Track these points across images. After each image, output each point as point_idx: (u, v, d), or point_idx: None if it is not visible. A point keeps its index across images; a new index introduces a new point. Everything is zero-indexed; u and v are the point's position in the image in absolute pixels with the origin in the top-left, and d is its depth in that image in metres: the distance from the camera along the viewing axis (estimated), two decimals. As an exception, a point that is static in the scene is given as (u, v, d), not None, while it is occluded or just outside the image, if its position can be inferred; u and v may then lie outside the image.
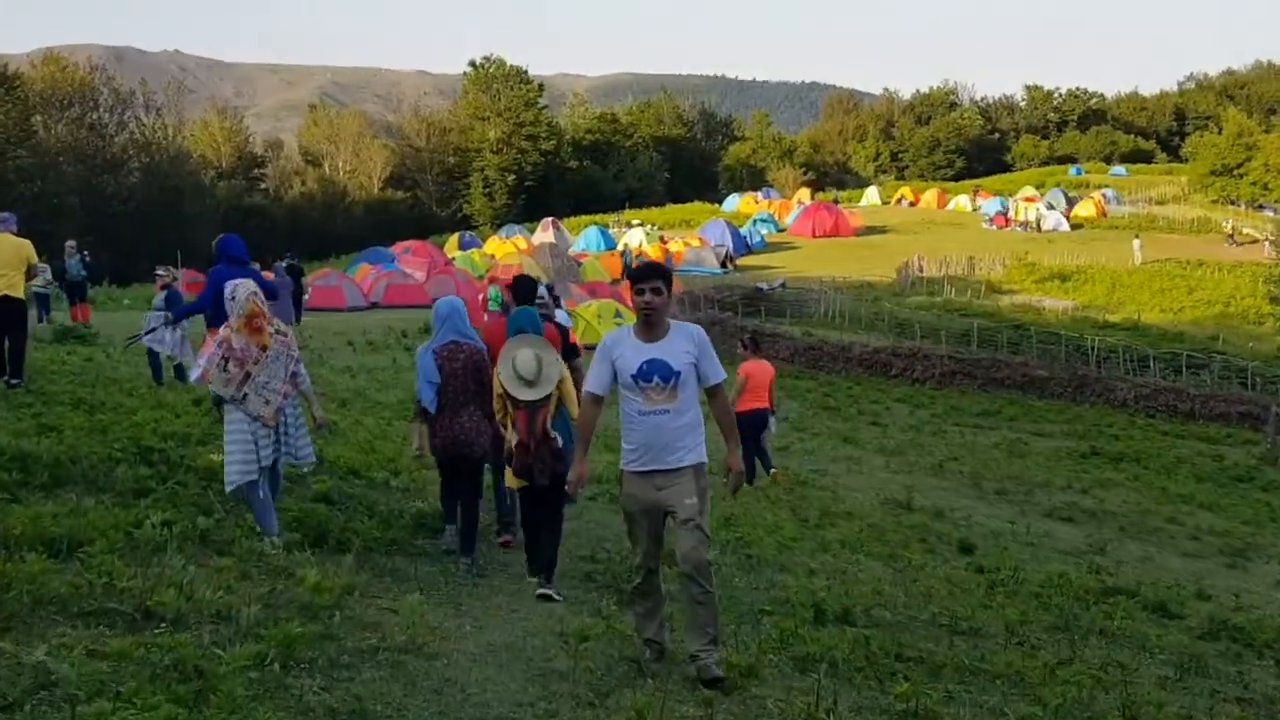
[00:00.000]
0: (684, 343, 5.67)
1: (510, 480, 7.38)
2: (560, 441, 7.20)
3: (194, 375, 9.02)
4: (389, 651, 5.43)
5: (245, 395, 7.14)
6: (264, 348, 7.21)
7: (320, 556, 7.03)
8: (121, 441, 9.29)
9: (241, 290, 7.27)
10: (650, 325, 5.67)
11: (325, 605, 5.83)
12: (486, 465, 8.20)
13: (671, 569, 5.92)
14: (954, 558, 10.51)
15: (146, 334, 10.33)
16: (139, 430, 9.97)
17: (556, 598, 7.03)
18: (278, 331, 7.39)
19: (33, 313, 21.54)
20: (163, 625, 5.35)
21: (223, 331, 7.27)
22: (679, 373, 5.59)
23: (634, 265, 7.38)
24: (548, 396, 7.15)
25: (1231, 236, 64.43)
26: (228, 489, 7.27)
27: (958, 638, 7.06)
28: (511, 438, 7.18)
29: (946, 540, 11.36)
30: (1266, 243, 61.43)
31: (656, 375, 5.58)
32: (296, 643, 5.13)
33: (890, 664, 6.25)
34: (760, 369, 13.57)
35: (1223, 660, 7.58)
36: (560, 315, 11.18)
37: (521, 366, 7.06)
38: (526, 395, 7.07)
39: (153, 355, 15.18)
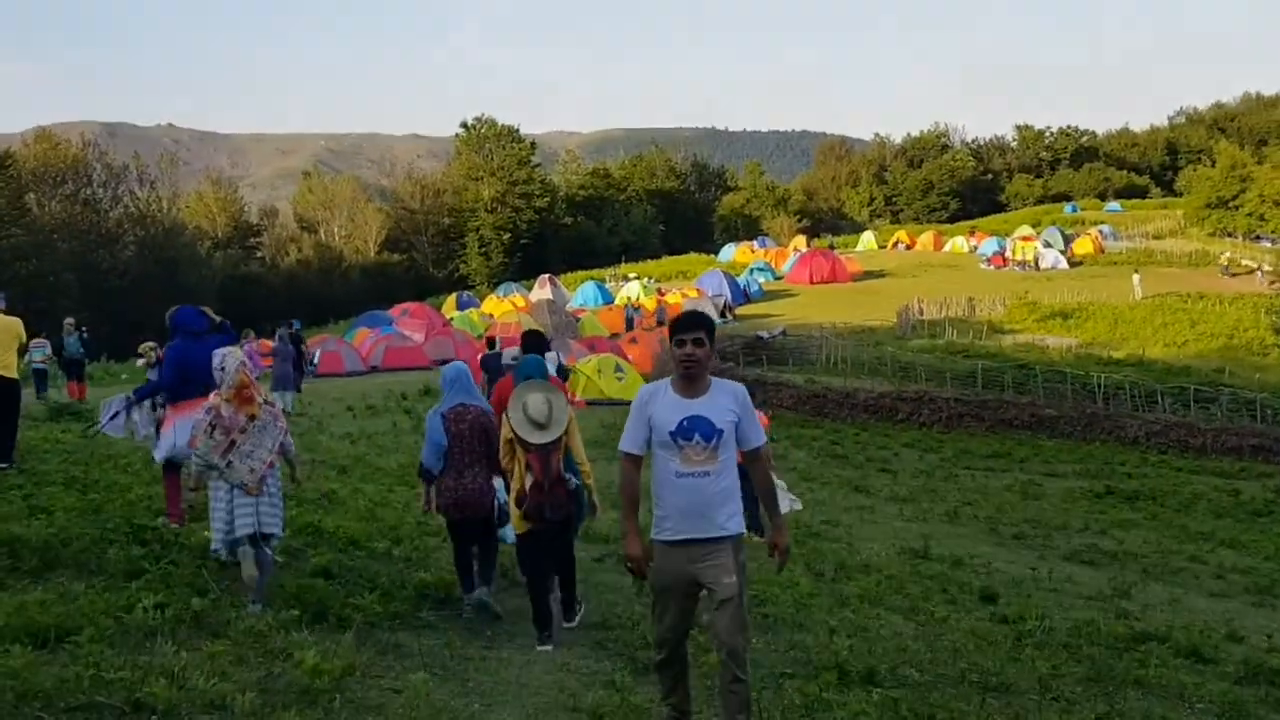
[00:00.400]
0: (726, 400, 5.28)
1: (516, 524, 7.49)
2: (574, 483, 7.48)
3: (158, 455, 8.85)
4: (393, 738, 5.14)
5: (230, 463, 7.22)
6: (252, 417, 7.32)
7: (319, 635, 6.73)
8: (114, 521, 9.03)
9: (231, 361, 7.39)
10: (691, 379, 5.28)
11: (324, 689, 5.53)
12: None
13: (700, 634, 5.62)
14: (977, 608, 10.19)
15: (109, 419, 10.02)
16: (132, 509, 9.72)
17: (572, 623, 7.67)
18: (266, 402, 7.49)
19: (29, 390, 21.39)
20: (153, 718, 5.07)
21: (213, 399, 7.40)
22: (721, 431, 5.20)
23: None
24: (558, 439, 7.33)
25: (1226, 267, 64.39)
26: (212, 553, 7.54)
27: (990, 695, 6.75)
28: (526, 480, 7.31)
29: (967, 590, 11.03)
30: (1260, 272, 61.48)
31: (698, 433, 5.18)
32: (295, 733, 4.84)
33: (922, 729, 5.95)
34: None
35: (1264, 707, 7.27)
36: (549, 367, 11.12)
37: (533, 410, 7.24)
38: (537, 438, 7.24)
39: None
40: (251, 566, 7.23)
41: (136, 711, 5.08)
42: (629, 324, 47.32)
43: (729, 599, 5.15)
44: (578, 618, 7.80)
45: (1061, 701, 6.81)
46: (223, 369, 7.37)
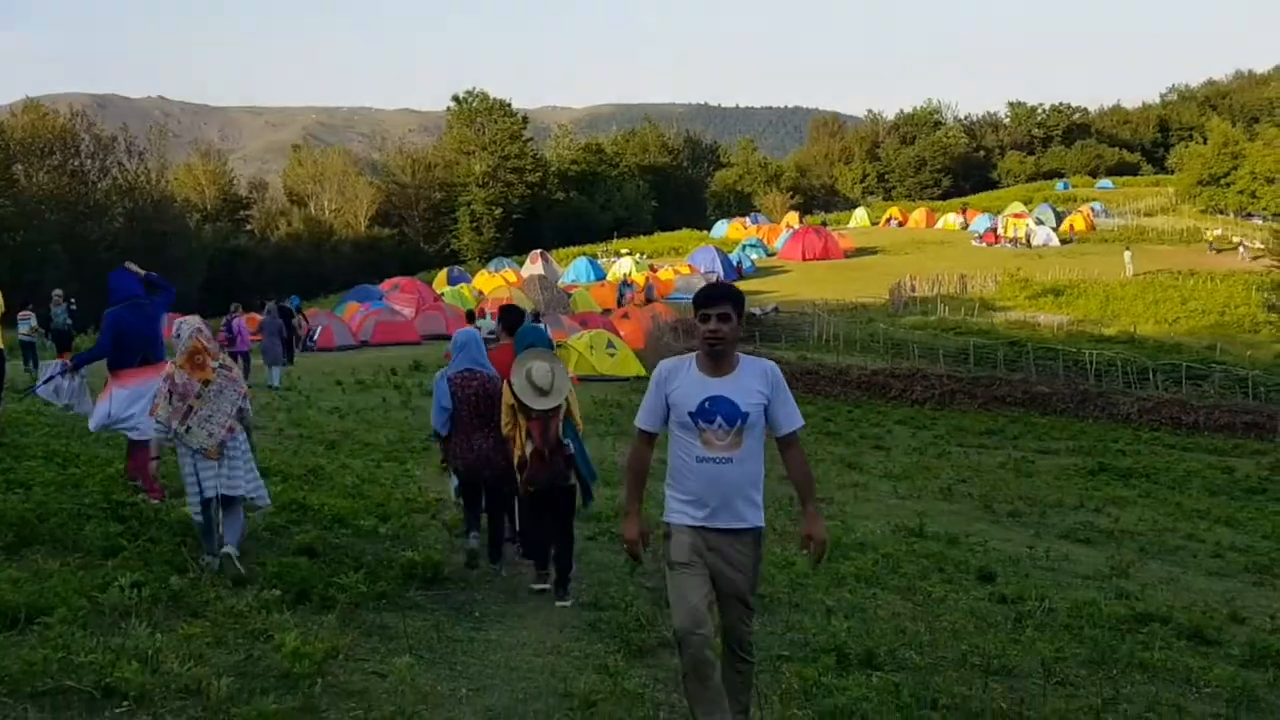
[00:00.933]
0: (754, 380, 4.85)
1: (521, 487, 7.77)
2: (572, 448, 7.70)
3: (92, 423, 8.68)
4: (375, 725, 4.93)
5: (189, 428, 7.30)
6: (206, 382, 7.38)
7: (301, 616, 6.51)
8: (93, 496, 8.78)
9: (186, 328, 7.48)
10: (716, 357, 4.84)
11: (305, 673, 5.29)
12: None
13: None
14: (974, 587, 10.00)
15: (44, 384, 9.77)
16: (112, 484, 9.46)
17: (566, 602, 7.63)
18: (222, 366, 7.54)
19: (17, 363, 21.15)
20: (124, 704, 4.85)
21: (168, 367, 7.54)
22: (746, 414, 4.78)
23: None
24: (559, 406, 7.55)
25: (1212, 244, 64.46)
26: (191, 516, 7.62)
27: (992, 679, 6.55)
28: (527, 447, 7.56)
29: (964, 569, 10.85)
30: (1242, 247, 61.58)
31: (720, 416, 4.77)
32: (271, 720, 4.63)
33: (925, 714, 5.76)
34: None
35: (1273, 692, 7.08)
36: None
37: (537, 377, 7.44)
38: (540, 404, 7.46)
39: None
40: (220, 524, 7.39)
41: (106, 697, 4.87)
42: (620, 299, 47.12)
43: (739, 595, 4.89)
44: (569, 599, 7.70)
45: (1066, 686, 6.62)
46: (178, 335, 7.46)
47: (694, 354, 4.98)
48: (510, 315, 9.28)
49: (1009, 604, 9.13)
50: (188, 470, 7.37)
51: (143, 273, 9.63)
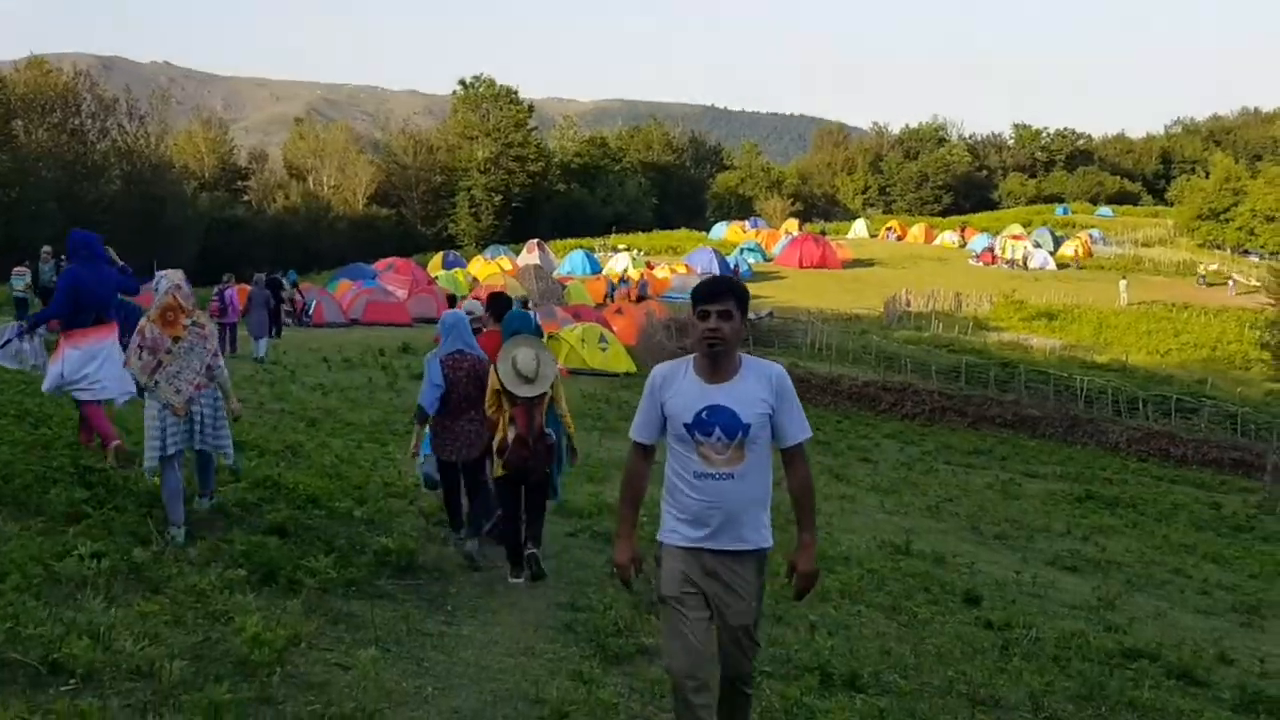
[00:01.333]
0: (758, 386, 4.34)
1: (495, 467, 7.76)
2: (554, 438, 7.75)
3: (46, 385, 8.57)
4: (333, 722, 4.66)
5: (156, 383, 7.33)
6: (176, 339, 7.40)
7: (266, 598, 6.24)
8: (60, 460, 8.50)
9: (165, 283, 7.52)
10: (715, 359, 4.33)
11: (264, 661, 5.03)
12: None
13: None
14: (960, 610, 9.76)
15: (1, 347, 9.48)
16: (82, 447, 9.17)
17: (542, 565, 7.82)
18: (194, 324, 7.54)
19: (9, 319, 20.86)
20: (70, 683, 4.59)
21: (141, 321, 7.52)
22: (747, 425, 4.28)
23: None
24: (544, 394, 7.57)
25: (1203, 278, 64.54)
26: (145, 470, 7.66)
27: (979, 709, 6.32)
28: (510, 432, 7.54)
29: (950, 590, 10.60)
30: (1231, 281, 61.69)
31: (718, 428, 4.28)
32: (224, 710, 4.36)
33: (910, 744, 5.52)
34: None
35: (1266, 739, 6.85)
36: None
37: (522, 364, 7.44)
38: (525, 392, 7.46)
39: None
40: (174, 482, 7.36)
41: (53, 673, 4.61)
42: (610, 295, 46.79)
43: (742, 625, 4.40)
44: (524, 576, 7.76)
45: (1054, 721, 6.39)
46: (156, 289, 7.49)
47: (691, 356, 4.48)
48: (498, 302, 9.21)
49: (995, 630, 8.89)
50: (153, 424, 7.35)
51: (119, 262, 9.39)
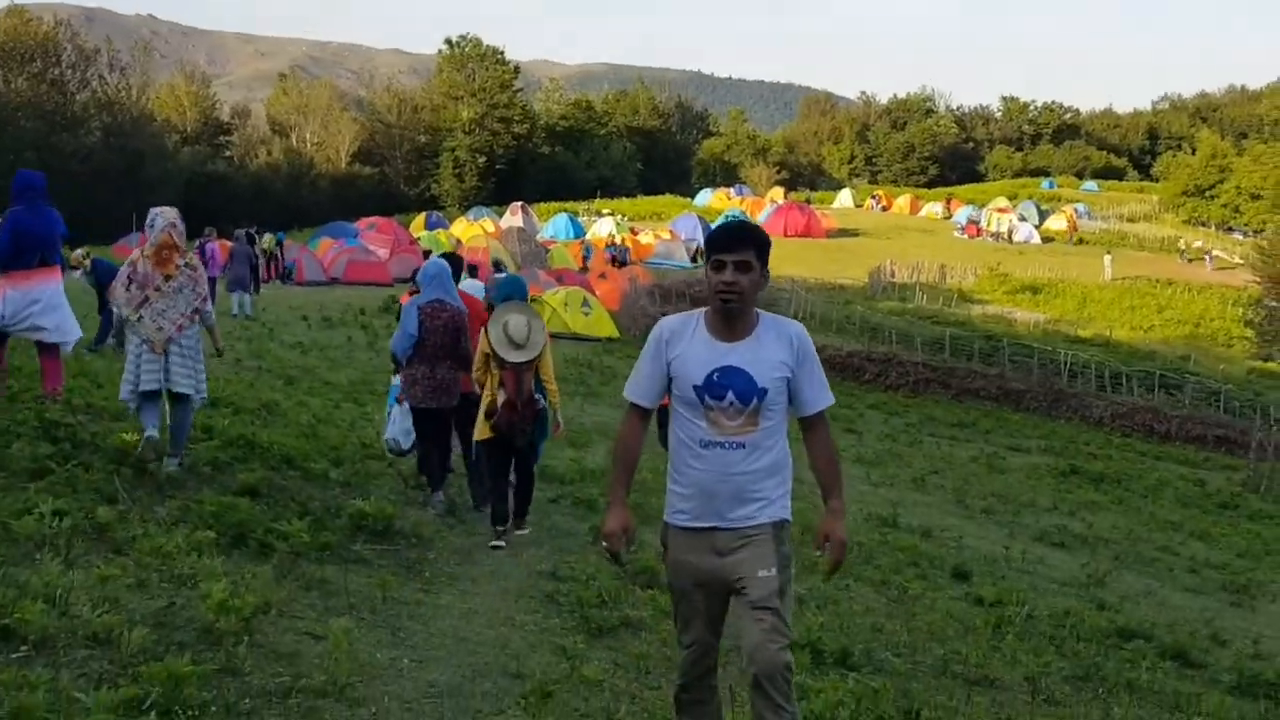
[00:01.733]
0: (777, 348, 3.84)
1: (481, 430, 7.77)
2: (541, 403, 7.84)
3: None
4: (302, 694, 4.38)
5: (140, 317, 7.37)
6: (168, 277, 7.43)
7: (236, 562, 5.96)
8: (25, 413, 8.18)
9: (161, 220, 7.49)
10: (730, 317, 3.82)
11: (230, 630, 4.73)
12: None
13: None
14: (950, 586, 9.57)
15: None
16: (48, 400, 8.85)
17: (524, 531, 8.05)
18: (188, 264, 7.59)
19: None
20: (22, 649, 4.29)
21: (134, 253, 7.56)
22: (764, 390, 3.78)
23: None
24: (533, 360, 7.65)
25: (1184, 252, 64.61)
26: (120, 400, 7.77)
27: (975, 690, 6.10)
28: (499, 396, 7.59)
29: (939, 565, 10.41)
30: (1208, 257, 61.83)
31: (731, 392, 3.77)
32: (185, 682, 4.07)
33: (906, 726, 5.29)
34: None
35: (1265, 725, 6.67)
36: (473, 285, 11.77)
37: (514, 330, 7.51)
38: (515, 357, 7.53)
39: (106, 316, 14.00)
40: (153, 429, 7.40)
41: (4, 639, 4.31)
42: (585, 260, 46.26)
43: (763, 602, 3.72)
44: (505, 540, 7.74)
45: (1052, 704, 6.18)
46: (152, 226, 7.48)
47: (702, 310, 3.96)
48: (452, 263, 9.18)
49: (987, 607, 8.69)
50: (131, 360, 7.42)
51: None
